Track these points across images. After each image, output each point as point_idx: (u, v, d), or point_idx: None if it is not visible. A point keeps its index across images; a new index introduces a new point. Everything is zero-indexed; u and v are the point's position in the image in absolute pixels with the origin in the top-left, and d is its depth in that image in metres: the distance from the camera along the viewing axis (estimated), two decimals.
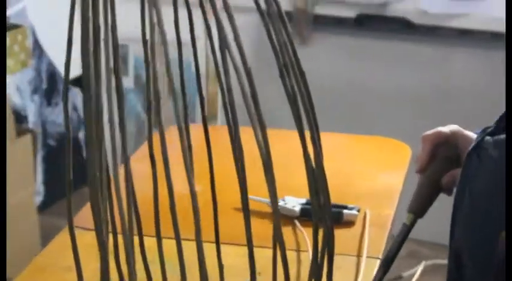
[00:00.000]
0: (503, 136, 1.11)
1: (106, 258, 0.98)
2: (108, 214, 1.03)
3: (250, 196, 1.01)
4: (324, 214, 1.08)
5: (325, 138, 2.01)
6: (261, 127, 0.96)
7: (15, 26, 2.89)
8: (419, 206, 1.26)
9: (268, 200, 1.16)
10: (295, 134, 1.03)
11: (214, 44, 1.04)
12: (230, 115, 0.97)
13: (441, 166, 1.27)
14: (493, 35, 2.70)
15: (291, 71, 1.02)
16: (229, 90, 0.95)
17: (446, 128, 1.28)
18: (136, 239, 1.14)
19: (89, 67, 0.91)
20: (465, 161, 1.15)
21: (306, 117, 1.07)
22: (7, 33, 2.78)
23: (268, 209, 1.50)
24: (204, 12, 1.02)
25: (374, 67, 3.14)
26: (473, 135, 1.24)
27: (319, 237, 1.07)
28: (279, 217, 1.00)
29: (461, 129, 1.30)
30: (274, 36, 1.00)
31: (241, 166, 1.01)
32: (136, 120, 3.26)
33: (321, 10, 3.10)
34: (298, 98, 1.05)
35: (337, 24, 3.16)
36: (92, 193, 0.98)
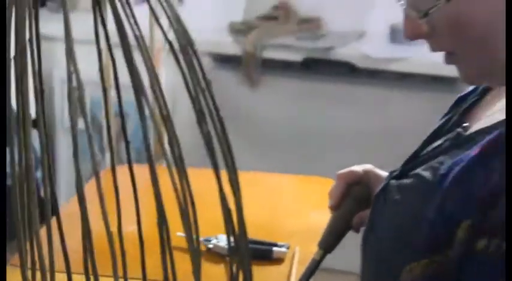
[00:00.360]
0: (406, 181, 1.14)
1: None
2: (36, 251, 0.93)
3: (178, 233, 0.99)
4: (243, 255, 0.99)
5: (265, 178, 2.02)
6: (179, 168, 0.92)
7: None
8: (329, 242, 1.28)
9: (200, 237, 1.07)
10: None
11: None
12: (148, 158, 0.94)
13: (352, 205, 1.28)
14: (433, 78, 2.75)
15: (208, 117, 0.96)
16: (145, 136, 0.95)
17: (360, 168, 1.30)
18: (62, 276, 1.02)
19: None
20: (373, 202, 1.18)
21: (224, 160, 1.00)
22: None
23: (203, 247, 1.53)
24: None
25: (320, 109, 3.12)
26: (385, 174, 1.26)
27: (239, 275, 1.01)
28: (199, 255, 0.94)
29: (374, 169, 1.32)
30: (190, 83, 0.94)
31: (158, 203, 1.04)
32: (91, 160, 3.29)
33: (269, 54, 3.11)
34: (215, 141, 0.98)
35: (284, 67, 3.19)
36: (17, 231, 1.00)
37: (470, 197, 0.97)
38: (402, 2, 1.05)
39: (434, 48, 1.06)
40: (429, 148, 1.17)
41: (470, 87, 1.24)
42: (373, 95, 3.05)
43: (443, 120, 1.23)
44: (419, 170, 1.11)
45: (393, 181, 1.17)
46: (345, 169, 1.31)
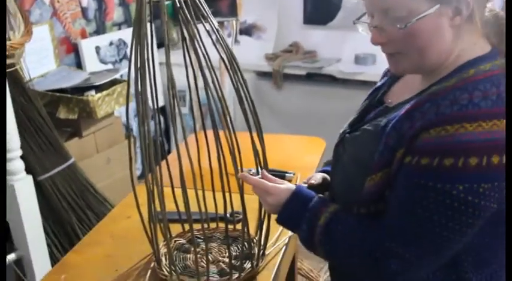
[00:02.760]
0: (357, 133, 1.33)
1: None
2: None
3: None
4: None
5: (282, 137, 2.55)
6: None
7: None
8: None
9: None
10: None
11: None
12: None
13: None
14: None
15: (244, 100, 1.39)
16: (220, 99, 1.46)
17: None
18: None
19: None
20: (334, 150, 1.42)
21: (256, 126, 1.44)
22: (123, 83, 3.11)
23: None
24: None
25: (316, 101, 3.81)
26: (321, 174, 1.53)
27: None
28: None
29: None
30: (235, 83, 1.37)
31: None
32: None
33: (287, 71, 3.86)
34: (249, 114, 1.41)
35: (296, 78, 3.88)
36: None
37: (403, 135, 1.15)
38: (373, 22, 1.19)
39: (387, 50, 1.21)
40: (366, 118, 1.35)
41: (381, 81, 1.43)
42: (345, 93, 3.62)
43: (366, 102, 1.42)
44: (365, 127, 1.30)
45: (347, 135, 1.36)
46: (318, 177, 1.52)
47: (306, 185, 1.46)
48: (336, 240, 1.25)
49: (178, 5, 1.34)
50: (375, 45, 1.20)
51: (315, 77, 3.84)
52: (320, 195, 1.33)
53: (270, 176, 1.42)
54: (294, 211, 1.31)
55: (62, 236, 2.82)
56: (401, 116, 1.16)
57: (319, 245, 1.28)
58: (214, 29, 1.38)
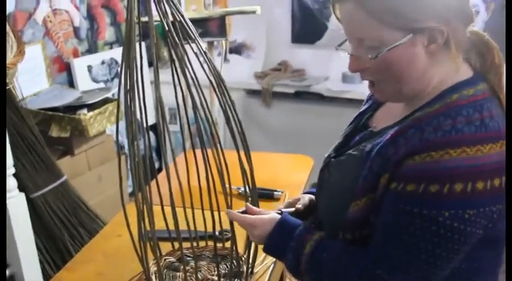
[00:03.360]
0: (342, 158, 1.32)
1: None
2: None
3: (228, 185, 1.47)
4: (255, 197, 1.50)
5: (269, 155, 2.57)
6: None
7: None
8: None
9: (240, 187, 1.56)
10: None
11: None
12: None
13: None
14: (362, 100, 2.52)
15: (230, 116, 1.41)
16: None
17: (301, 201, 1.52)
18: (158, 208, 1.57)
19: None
20: (320, 174, 1.42)
21: (242, 144, 1.44)
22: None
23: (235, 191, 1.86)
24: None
25: (304, 118, 3.86)
26: (306, 195, 1.55)
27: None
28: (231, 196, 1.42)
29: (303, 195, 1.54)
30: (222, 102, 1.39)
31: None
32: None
33: (276, 89, 3.91)
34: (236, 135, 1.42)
35: (284, 96, 3.92)
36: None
37: (387, 161, 1.13)
38: (351, 51, 1.19)
39: (365, 78, 1.21)
40: (352, 141, 1.35)
41: (365, 106, 1.42)
42: (332, 111, 3.68)
43: (351, 126, 1.41)
44: (350, 152, 1.29)
45: (333, 160, 1.36)
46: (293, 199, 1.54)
47: (293, 209, 1.47)
48: (322, 268, 1.24)
49: (166, 28, 1.34)
50: (352, 72, 1.20)
51: (303, 95, 3.87)
52: (305, 222, 1.33)
53: (254, 208, 1.42)
54: (280, 241, 1.31)
55: (54, 252, 2.81)
56: (386, 141, 1.15)
57: (306, 273, 1.27)
58: (202, 52, 1.39)
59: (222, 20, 3.03)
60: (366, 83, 1.22)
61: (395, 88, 1.18)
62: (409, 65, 1.14)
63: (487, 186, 1.06)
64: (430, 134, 1.09)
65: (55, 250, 2.81)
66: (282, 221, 1.33)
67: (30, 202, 2.70)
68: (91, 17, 3.72)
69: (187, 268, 1.59)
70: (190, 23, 1.39)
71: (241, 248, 1.60)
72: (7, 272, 2.54)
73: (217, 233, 1.66)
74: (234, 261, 1.57)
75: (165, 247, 1.69)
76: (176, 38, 1.34)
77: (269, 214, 1.39)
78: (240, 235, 1.51)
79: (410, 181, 1.09)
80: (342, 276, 1.21)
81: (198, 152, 1.43)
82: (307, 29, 3.97)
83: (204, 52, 1.41)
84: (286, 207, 1.50)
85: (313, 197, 1.51)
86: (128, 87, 1.32)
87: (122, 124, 1.28)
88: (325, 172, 1.38)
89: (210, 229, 1.65)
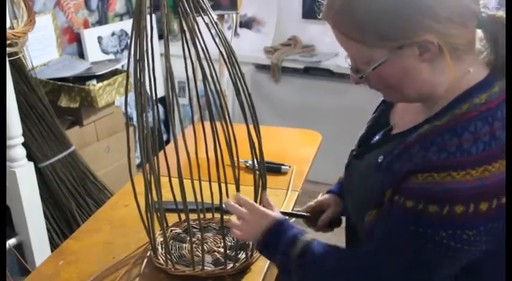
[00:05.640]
0: (360, 163, 1.30)
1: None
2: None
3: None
4: (262, 168, 1.49)
5: (278, 130, 2.54)
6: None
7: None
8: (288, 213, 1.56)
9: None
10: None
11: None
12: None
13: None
14: None
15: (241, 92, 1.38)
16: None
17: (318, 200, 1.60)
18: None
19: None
20: (345, 172, 1.42)
21: (252, 118, 1.41)
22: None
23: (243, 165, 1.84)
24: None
25: (313, 94, 3.86)
26: (326, 196, 1.61)
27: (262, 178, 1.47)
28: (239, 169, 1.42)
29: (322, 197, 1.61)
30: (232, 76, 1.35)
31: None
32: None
33: (286, 64, 3.87)
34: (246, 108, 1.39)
35: (294, 72, 3.90)
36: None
37: (393, 175, 1.12)
38: (349, 65, 1.18)
39: (370, 87, 1.18)
40: (373, 140, 1.31)
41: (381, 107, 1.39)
42: (341, 86, 3.67)
43: (375, 116, 1.39)
44: (367, 156, 1.27)
45: (354, 160, 1.35)
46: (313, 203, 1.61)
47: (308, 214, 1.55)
48: (310, 272, 1.24)
49: None
50: (356, 84, 1.18)
51: (312, 71, 3.85)
52: (299, 228, 1.33)
53: (248, 201, 1.41)
54: (272, 240, 1.32)
55: (62, 222, 2.83)
56: (394, 155, 1.13)
57: (295, 275, 1.27)
58: (213, 23, 1.36)
59: None
60: None
61: (400, 95, 1.16)
62: (406, 76, 1.11)
63: (492, 205, 1.02)
64: (433, 155, 1.05)
65: (62, 219, 2.83)
66: (279, 221, 1.34)
67: (39, 171, 2.71)
68: None
69: (194, 239, 1.58)
70: None
71: None
72: (15, 241, 2.56)
73: (224, 205, 1.64)
74: None
75: (172, 218, 1.69)
76: (187, 8, 1.31)
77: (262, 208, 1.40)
78: None
79: (410, 197, 1.07)
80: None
81: (207, 124, 1.41)
82: (318, 4, 3.88)
83: (216, 23, 1.38)
84: (306, 211, 1.58)
85: (328, 198, 1.56)
86: (138, 58, 1.29)
87: (131, 96, 1.28)
88: (348, 171, 1.38)
89: (216, 201, 1.63)
